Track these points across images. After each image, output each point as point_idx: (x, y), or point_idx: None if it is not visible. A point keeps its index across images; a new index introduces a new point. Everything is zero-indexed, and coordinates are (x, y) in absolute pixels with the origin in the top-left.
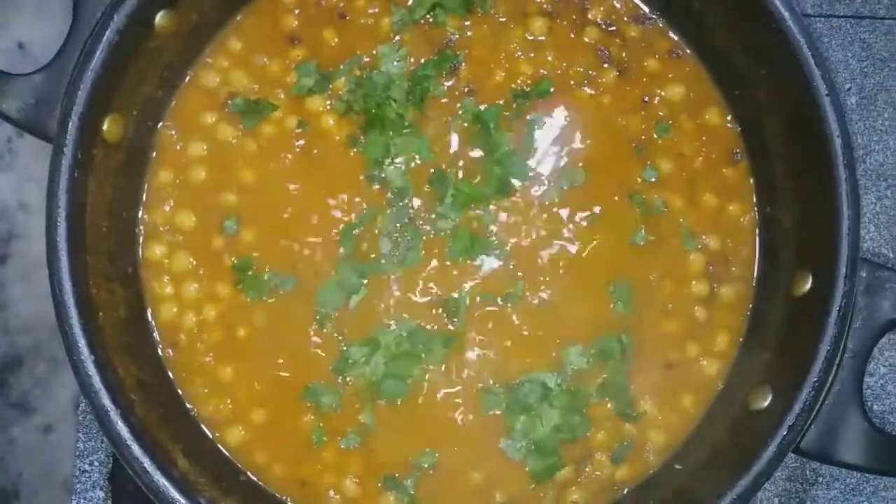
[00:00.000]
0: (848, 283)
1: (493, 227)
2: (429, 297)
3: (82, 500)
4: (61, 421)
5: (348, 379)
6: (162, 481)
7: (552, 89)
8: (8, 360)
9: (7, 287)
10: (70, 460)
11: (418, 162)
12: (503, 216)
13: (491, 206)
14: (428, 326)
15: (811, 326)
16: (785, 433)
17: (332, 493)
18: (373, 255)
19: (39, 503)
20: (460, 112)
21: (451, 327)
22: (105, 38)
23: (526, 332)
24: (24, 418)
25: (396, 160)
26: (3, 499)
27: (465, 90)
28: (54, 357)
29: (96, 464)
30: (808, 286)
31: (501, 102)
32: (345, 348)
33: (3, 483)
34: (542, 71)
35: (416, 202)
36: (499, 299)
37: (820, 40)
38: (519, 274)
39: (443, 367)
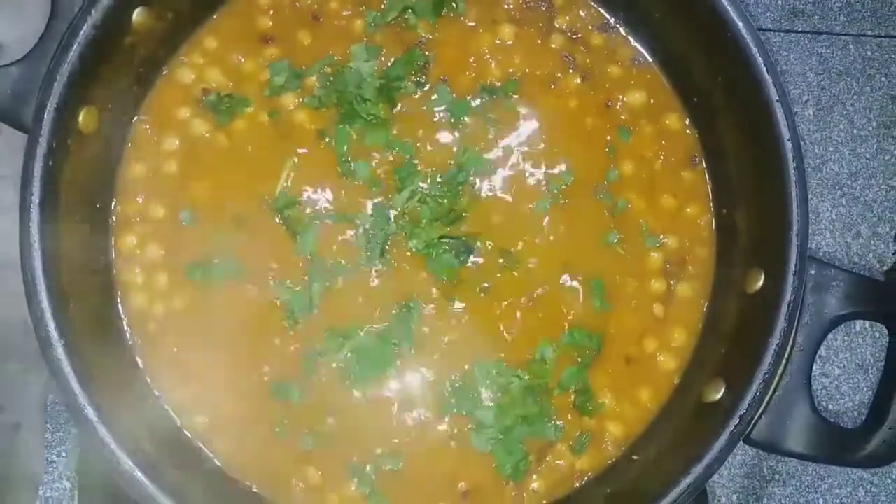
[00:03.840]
0: (797, 280)
1: (463, 227)
2: (397, 295)
3: (49, 490)
4: (30, 419)
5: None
6: (128, 464)
7: (518, 94)
8: None
9: None
10: (38, 458)
11: (389, 157)
12: (471, 214)
13: (459, 200)
14: (396, 324)
15: (762, 322)
16: (736, 422)
17: (295, 480)
18: (341, 261)
19: (8, 500)
20: (434, 98)
21: (412, 325)
22: (82, 32)
23: (498, 330)
24: None
25: (367, 154)
26: None
27: (442, 79)
28: (24, 357)
29: (63, 455)
30: (760, 283)
31: (470, 97)
32: (313, 346)
33: None
34: (510, 71)
35: (388, 199)
36: (464, 298)
37: (779, 54)
38: (481, 280)
39: (410, 364)
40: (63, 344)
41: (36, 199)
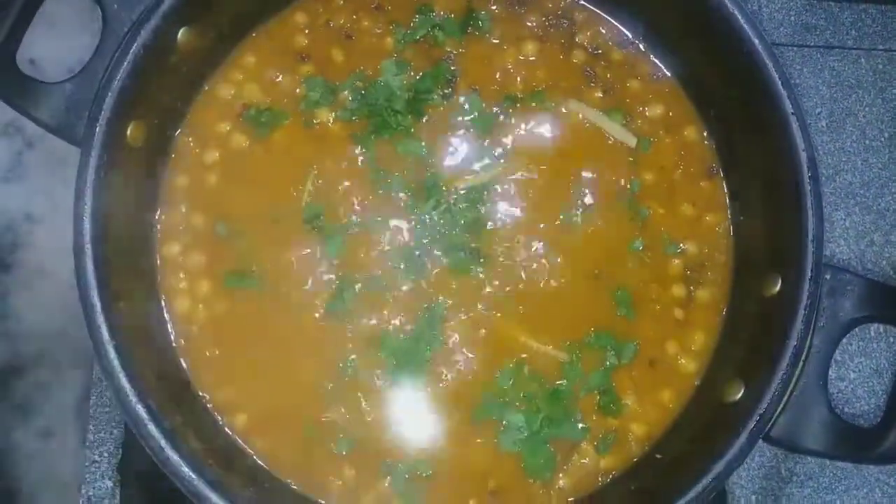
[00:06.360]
0: (813, 284)
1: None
2: (425, 301)
3: (92, 490)
4: (62, 425)
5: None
6: (175, 458)
7: (542, 107)
8: (11, 365)
9: (11, 295)
10: (73, 460)
11: (415, 166)
12: (498, 221)
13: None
14: (425, 328)
15: (780, 325)
16: (756, 421)
17: (332, 478)
18: (371, 268)
19: (45, 501)
20: (461, 109)
21: (435, 332)
22: (131, 51)
23: (520, 336)
24: (25, 422)
25: (397, 164)
26: (3, 501)
27: (473, 88)
28: (56, 364)
29: (105, 454)
30: (777, 288)
31: (496, 109)
32: (346, 347)
33: (4, 485)
34: (533, 84)
35: (417, 209)
36: (488, 305)
37: (793, 68)
38: (507, 285)
39: (440, 367)
40: (114, 345)
41: (88, 209)
